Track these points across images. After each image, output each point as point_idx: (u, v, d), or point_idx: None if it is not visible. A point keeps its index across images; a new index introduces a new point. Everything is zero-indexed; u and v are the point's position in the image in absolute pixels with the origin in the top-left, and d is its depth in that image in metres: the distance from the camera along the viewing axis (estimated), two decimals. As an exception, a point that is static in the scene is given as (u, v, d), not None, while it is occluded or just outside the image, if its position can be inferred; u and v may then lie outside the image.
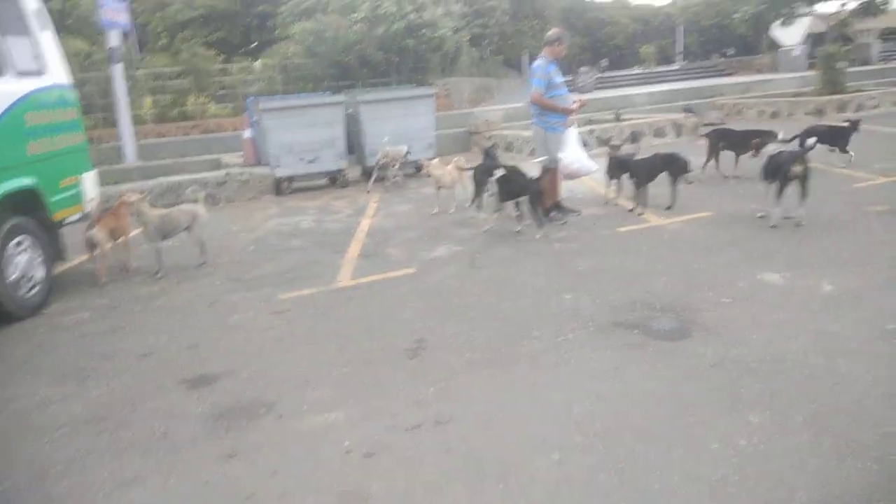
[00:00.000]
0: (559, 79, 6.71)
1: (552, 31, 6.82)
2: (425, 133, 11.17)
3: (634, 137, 11.77)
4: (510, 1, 30.08)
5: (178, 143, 13.73)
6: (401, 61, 17.19)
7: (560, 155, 6.66)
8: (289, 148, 10.22)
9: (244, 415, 3.31)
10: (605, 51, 43.16)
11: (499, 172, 6.48)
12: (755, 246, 5.36)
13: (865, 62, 26.47)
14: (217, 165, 11.58)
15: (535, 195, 6.34)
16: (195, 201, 6.40)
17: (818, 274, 4.54)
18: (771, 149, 6.04)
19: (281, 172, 10.33)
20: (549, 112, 6.68)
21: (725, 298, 4.28)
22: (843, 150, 8.10)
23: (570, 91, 7.41)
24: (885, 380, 3.10)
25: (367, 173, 11.38)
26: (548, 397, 3.23)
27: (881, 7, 18.91)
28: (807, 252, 5.07)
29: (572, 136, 6.74)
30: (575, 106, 6.85)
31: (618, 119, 12.78)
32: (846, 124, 8.09)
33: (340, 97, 10.99)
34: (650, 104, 16.74)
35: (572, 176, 7.00)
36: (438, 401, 3.27)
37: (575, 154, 6.71)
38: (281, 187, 10.43)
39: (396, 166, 10.00)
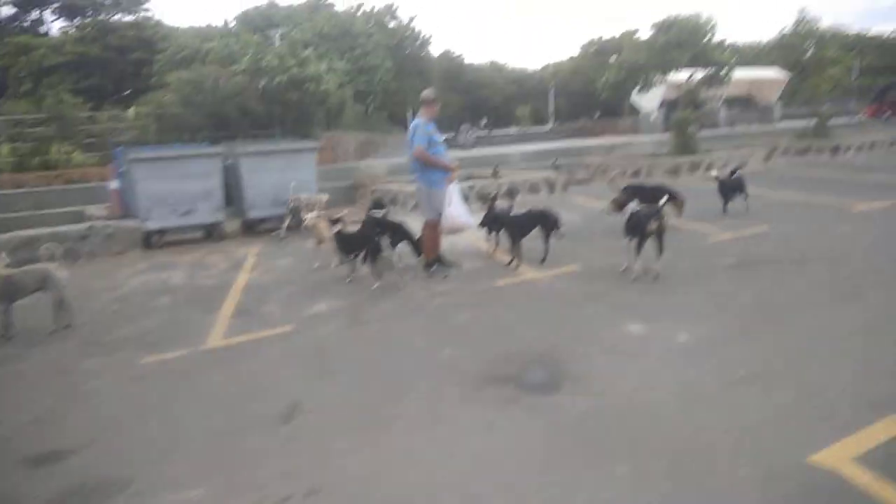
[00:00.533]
0: (437, 137, 6.94)
1: (427, 92, 7.04)
2: (307, 186, 11.08)
3: (511, 193, 12.29)
4: (393, 60, 30.98)
5: (39, 193, 12.72)
6: (284, 114, 17.08)
7: (448, 210, 6.87)
8: (161, 200, 9.77)
9: (95, 495, 3.02)
10: (484, 110, 45.16)
11: (336, 227, 6.74)
12: (619, 298, 5.69)
13: (714, 126, 29.46)
14: (80, 218, 10.81)
15: (372, 250, 6.63)
16: (50, 259, 5.90)
17: (675, 324, 4.88)
18: (631, 207, 6.48)
19: (151, 225, 9.82)
20: (431, 169, 6.85)
21: (593, 349, 4.49)
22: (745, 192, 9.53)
23: (452, 148, 7.72)
24: (735, 425, 3.34)
25: (246, 225, 11.12)
26: (424, 459, 3.20)
27: (724, 78, 21.30)
28: (665, 303, 5.45)
29: (454, 192, 6.96)
30: (455, 164, 7.12)
31: (496, 175, 13.31)
32: (737, 175, 9.69)
33: (218, 148, 10.70)
34: (525, 162, 17.60)
35: (455, 231, 7.20)
36: (311, 470, 3.14)
37: (457, 209, 6.94)
38: (151, 241, 9.90)
39: (315, 213, 9.82)
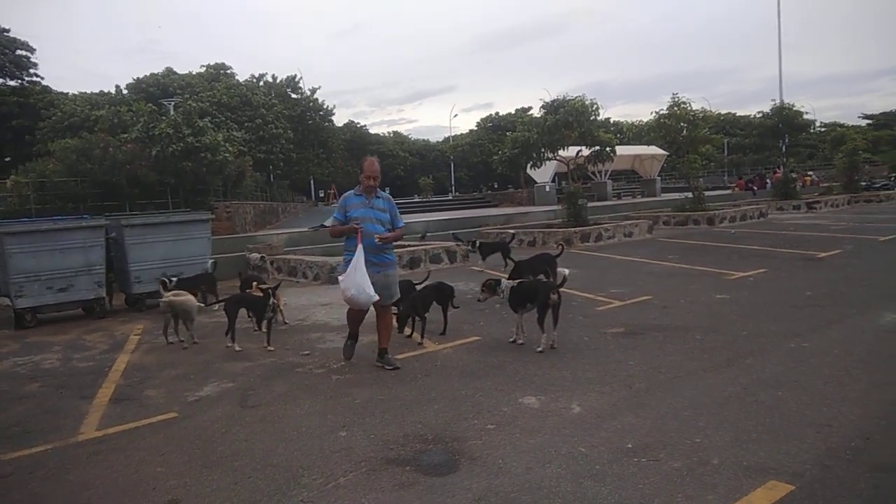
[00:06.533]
0: (358, 213, 6.17)
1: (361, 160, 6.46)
2: (200, 259, 10.69)
3: (413, 263, 12.40)
4: (295, 130, 31.04)
5: None
6: (178, 183, 16.54)
7: (339, 278, 6.35)
8: (35, 276, 9.09)
9: None
10: (388, 180, 45.85)
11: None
12: (516, 369, 5.76)
13: (602, 198, 31.30)
14: (-62, 296, 9.81)
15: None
16: None
17: (568, 395, 4.98)
18: (506, 284, 6.69)
19: (23, 303, 9.08)
20: (351, 243, 6.11)
21: (490, 425, 4.48)
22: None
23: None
24: (625, 499, 3.39)
25: (130, 301, 10.51)
26: (313, 555, 3.02)
27: (609, 154, 22.76)
28: (558, 374, 5.56)
29: (359, 259, 6.39)
30: (358, 226, 6.08)
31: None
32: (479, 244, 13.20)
33: (100, 220, 10.14)
34: (429, 231, 17.88)
35: (347, 303, 6.89)
36: (188, 576, 2.88)
37: (352, 281, 6.41)
38: (23, 320, 9.13)
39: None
